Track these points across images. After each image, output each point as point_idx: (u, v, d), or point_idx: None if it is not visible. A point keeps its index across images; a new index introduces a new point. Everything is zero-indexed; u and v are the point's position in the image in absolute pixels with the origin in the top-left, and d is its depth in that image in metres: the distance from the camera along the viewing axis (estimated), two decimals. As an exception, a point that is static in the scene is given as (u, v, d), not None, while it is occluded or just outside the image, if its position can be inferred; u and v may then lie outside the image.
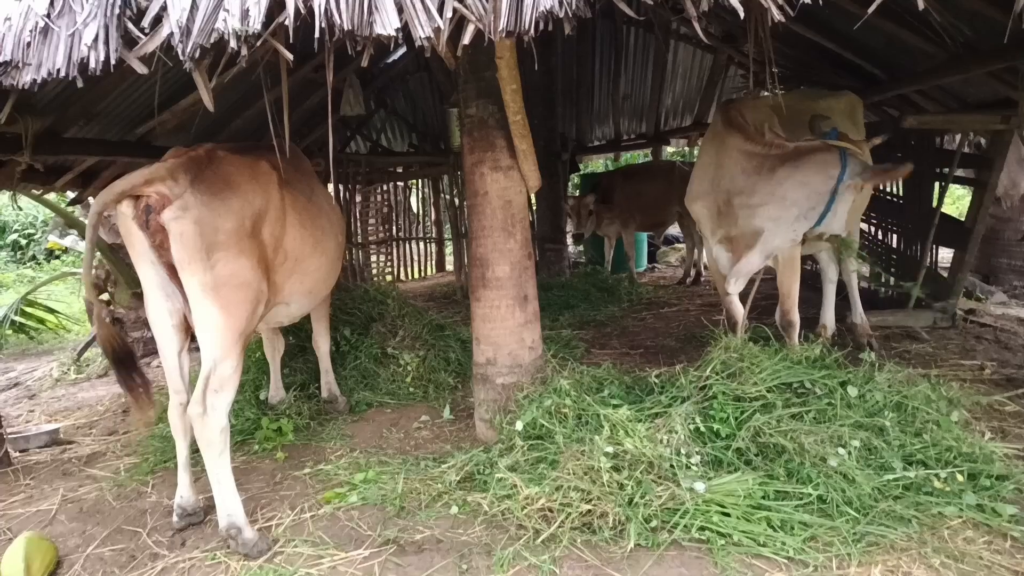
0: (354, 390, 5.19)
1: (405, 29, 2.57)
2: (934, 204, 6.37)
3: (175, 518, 3.49)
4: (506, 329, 4.20)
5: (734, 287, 4.69)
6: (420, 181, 12.56)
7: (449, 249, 12.31)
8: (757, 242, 4.47)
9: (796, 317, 4.68)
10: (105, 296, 7.38)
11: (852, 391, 3.60)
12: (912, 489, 3.17)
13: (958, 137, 6.42)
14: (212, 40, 2.57)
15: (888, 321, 6.14)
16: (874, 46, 5.49)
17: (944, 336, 5.83)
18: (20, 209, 15.92)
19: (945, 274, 6.40)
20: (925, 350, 5.42)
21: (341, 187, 10.08)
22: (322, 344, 4.98)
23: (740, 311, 4.78)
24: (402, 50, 8.77)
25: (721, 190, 4.54)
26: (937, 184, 6.40)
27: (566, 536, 3.02)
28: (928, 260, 6.44)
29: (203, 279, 3.11)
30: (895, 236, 7.06)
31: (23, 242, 16.69)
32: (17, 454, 4.61)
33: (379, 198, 11.40)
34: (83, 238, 9.84)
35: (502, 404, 4.15)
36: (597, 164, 15.13)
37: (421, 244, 12.71)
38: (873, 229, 7.42)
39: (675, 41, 9.06)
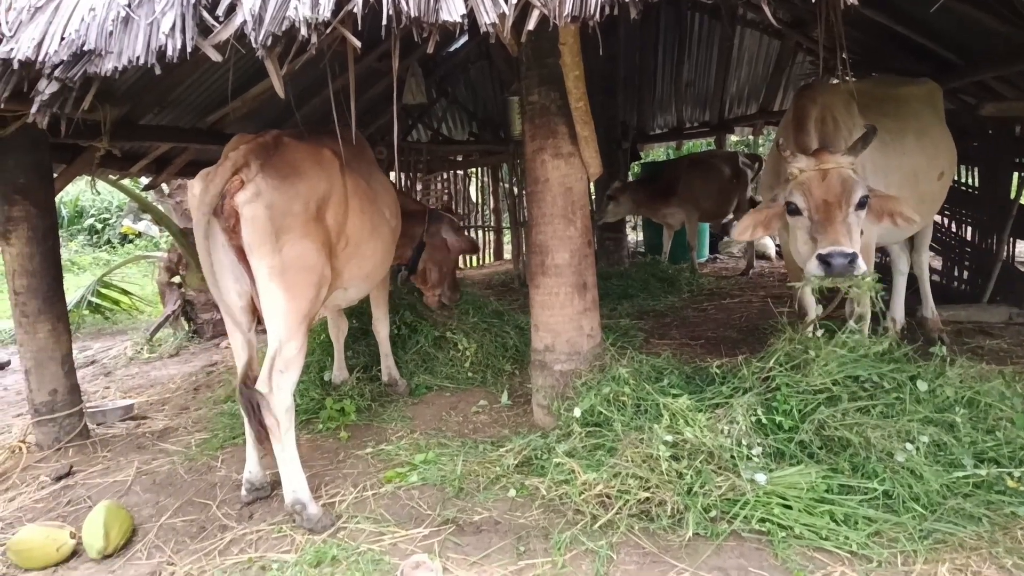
0: (414, 374, 5.27)
1: (470, 16, 2.59)
2: (1012, 195, 6.12)
3: (243, 492, 3.61)
4: (565, 316, 4.21)
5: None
6: (480, 169, 12.63)
7: (507, 237, 12.36)
8: None
9: (868, 309, 4.56)
10: (177, 279, 7.66)
11: (922, 386, 3.50)
12: (983, 487, 3.07)
13: (1040, 126, 6.16)
14: (283, 28, 2.63)
15: (960, 316, 5.94)
16: (948, 30, 5.28)
17: (1020, 332, 5.61)
18: (98, 193, 16.58)
19: (1023, 269, 6.16)
20: (999, 346, 5.22)
21: (403, 175, 10.20)
22: (382, 329, 5.06)
23: (812, 303, 4.67)
24: (464, 39, 8.80)
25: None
26: (1016, 174, 6.15)
27: (623, 523, 3.03)
28: (1004, 254, 6.20)
29: (271, 262, 3.20)
30: (969, 228, 6.81)
31: (99, 226, 17.38)
32: (95, 427, 4.84)
33: (439, 186, 11.49)
34: (155, 223, 10.20)
35: (560, 391, 4.16)
36: (658, 153, 14.95)
37: (480, 232, 12.79)
38: (947, 220, 7.17)
39: (741, 27, 8.89)
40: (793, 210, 3.71)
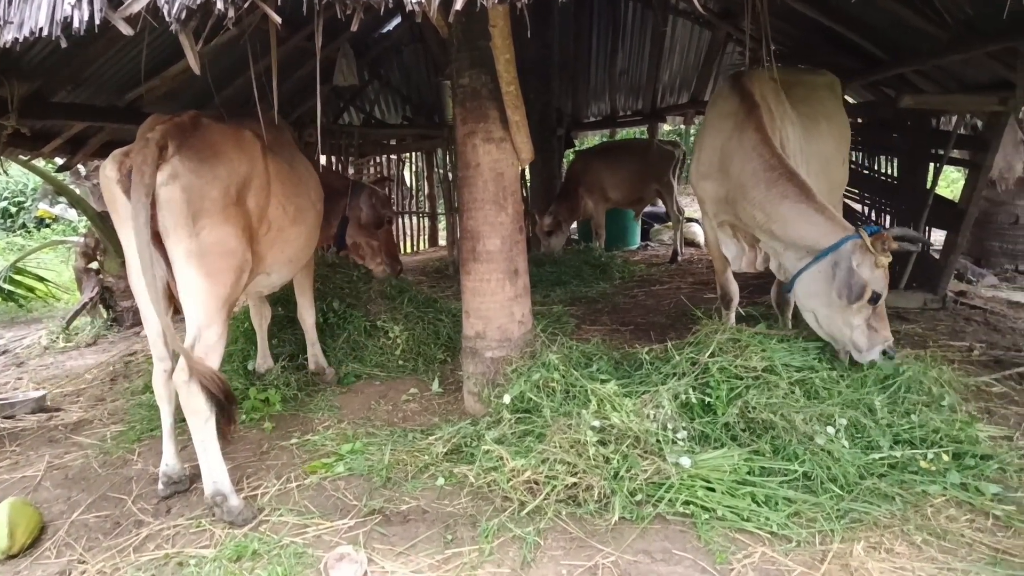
0: (343, 362, 5.17)
1: (396, -7, 2.52)
2: (928, 185, 6.35)
3: (160, 486, 3.48)
4: (496, 303, 4.18)
5: (734, 268, 4.61)
6: (414, 154, 12.47)
7: (442, 224, 12.26)
8: (758, 246, 4.37)
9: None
10: (95, 265, 7.35)
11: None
12: (898, 468, 3.19)
13: (955, 118, 6.39)
14: (199, 1, 2.51)
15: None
16: (874, 25, 5.43)
17: (934, 317, 5.84)
18: (8, 175, 15.74)
19: (937, 256, 6.40)
20: (915, 331, 5.42)
21: (333, 159, 9.99)
22: (307, 317, 4.94)
23: (736, 290, 4.76)
24: (396, 20, 8.67)
25: (732, 178, 4.28)
26: (932, 165, 6.38)
27: (551, 508, 3.03)
28: (920, 242, 6.43)
29: (188, 246, 3.08)
30: (888, 216, 7.05)
31: (13, 210, 16.54)
32: (2, 420, 4.59)
33: (372, 170, 11.31)
34: (72, 206, 9.74)
35: (491, 378, 4.14)
36: (593, 140, 15.04)
37: (414, 218, 12.66)
38: (866, 209, 7.41)
39: (673, 16, 8.97)
40: (875, 299, 3.64)
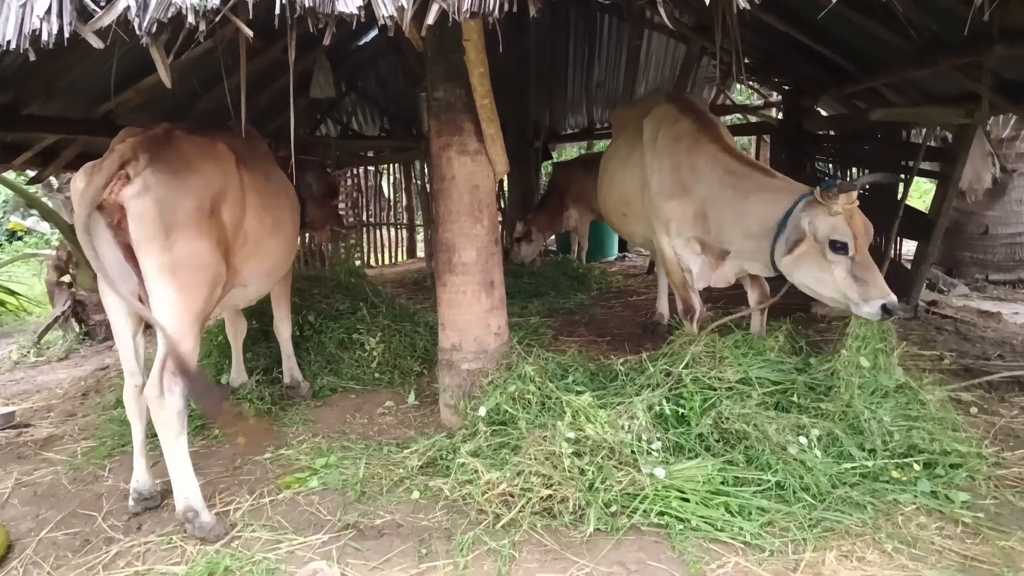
0: (318, 375, 5.13)
1: (369, 8, 2.53)
2: (899, 196, 6.44)
3: (131, 502, 3.43)
4: (472, 315, 4.18)
5: (700, 285, 4.64)
6: (392, 166, 12.46)
7: (420, 235, 12.25)
8: (727, 257, 4.43)
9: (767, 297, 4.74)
10: (68, 278, 7.26)
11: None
12: (869, 477, 3.22)
13: (924, 131, 6.50)
14: (169, 14, 2.50)
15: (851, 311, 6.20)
16: (845, 39, 5.51)
17: (906, 327, 5.91)
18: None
19: (908, 266, 6.49)
20: (887, 340, 5.47)
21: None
22: (283, 330, 4.91)
23: (699, 303, 4.79)
24: (373, 32, 8.67)
25: (697, 195, 4.41)
26: (902, 177, 6.47)
27: (526, 521, 3.03)
28: (892, 252, 6.52)
29: (161, 260, 3.05)
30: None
31: (-17, 222, 16.30)
32: (-29, 437, 4.52)
33: (350, 182, 11.30)
34: (44, 218, 9.64)
35: (467, 390, 4.13)
36: (571, 152, 15.10)
37: (392, 230, 12.63)
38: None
39: (648, 30, 9.06)
40: (839, 248, 3.63)
